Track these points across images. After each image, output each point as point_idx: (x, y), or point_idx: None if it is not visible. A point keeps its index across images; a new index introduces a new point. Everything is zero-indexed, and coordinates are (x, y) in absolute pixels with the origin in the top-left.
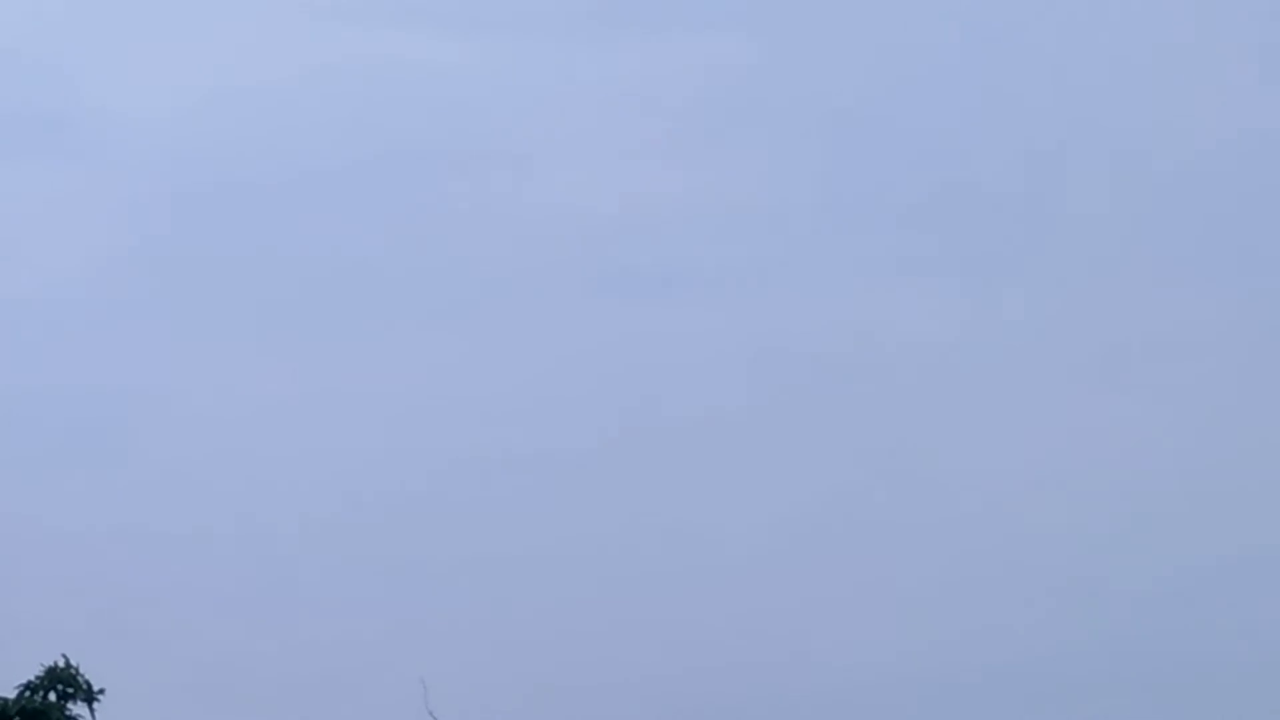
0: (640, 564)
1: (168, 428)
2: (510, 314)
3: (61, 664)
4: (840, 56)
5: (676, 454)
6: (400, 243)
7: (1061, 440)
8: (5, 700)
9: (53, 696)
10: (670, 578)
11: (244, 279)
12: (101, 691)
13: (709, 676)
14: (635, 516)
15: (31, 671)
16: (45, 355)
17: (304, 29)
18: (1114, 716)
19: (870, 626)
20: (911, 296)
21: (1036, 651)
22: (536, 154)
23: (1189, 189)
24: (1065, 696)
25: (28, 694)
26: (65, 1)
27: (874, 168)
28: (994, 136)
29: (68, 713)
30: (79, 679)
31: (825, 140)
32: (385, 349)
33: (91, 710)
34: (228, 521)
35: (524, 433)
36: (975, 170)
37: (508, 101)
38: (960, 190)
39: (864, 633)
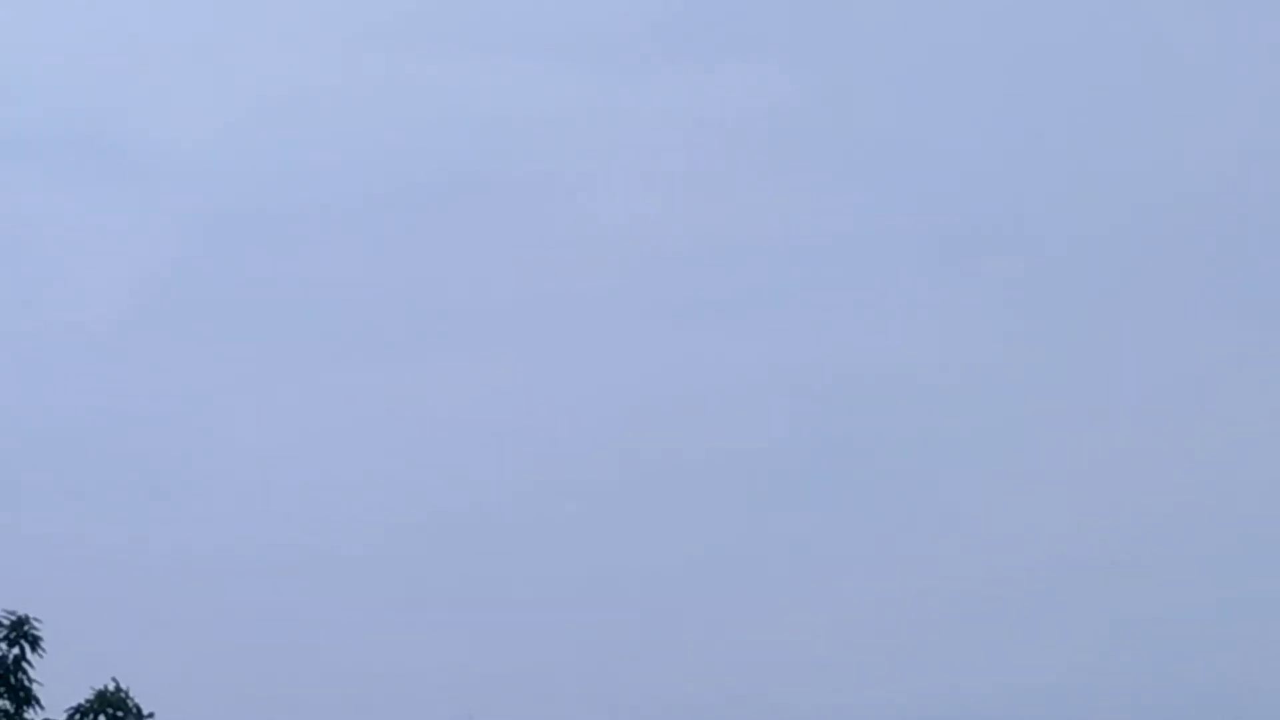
0: (702, 586)
1: (212, 451)
2: (559, 340)
3: (111, 688)
4: (885, 89)
5: (723, 479)
6: (447, 269)
7: (1102, 470)
8: None
9: (103, 719)
10: (723, 601)
11: (289, 302)
12: (151, 715)
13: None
14: (679, 541)
15: (81, 695)
16: (90, 378)
17: (341, 57)
18: None
19: (906, 658)
20: (953, 327)
21: (1077, 681)
22: (587, 183)
23: (1233, 218)
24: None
25: (78, 717)
26: (110, 32)
27: (918, 198)
28: (1036, 169)
29: None
30: (128, 702)
31: (870, 171)
32: (429, 374)
33: None
34: (268, 544)
35: (571, 458)
36: (1018, 201)
37: (559, 130)
38: (1002, 222)
39: (899, 664)
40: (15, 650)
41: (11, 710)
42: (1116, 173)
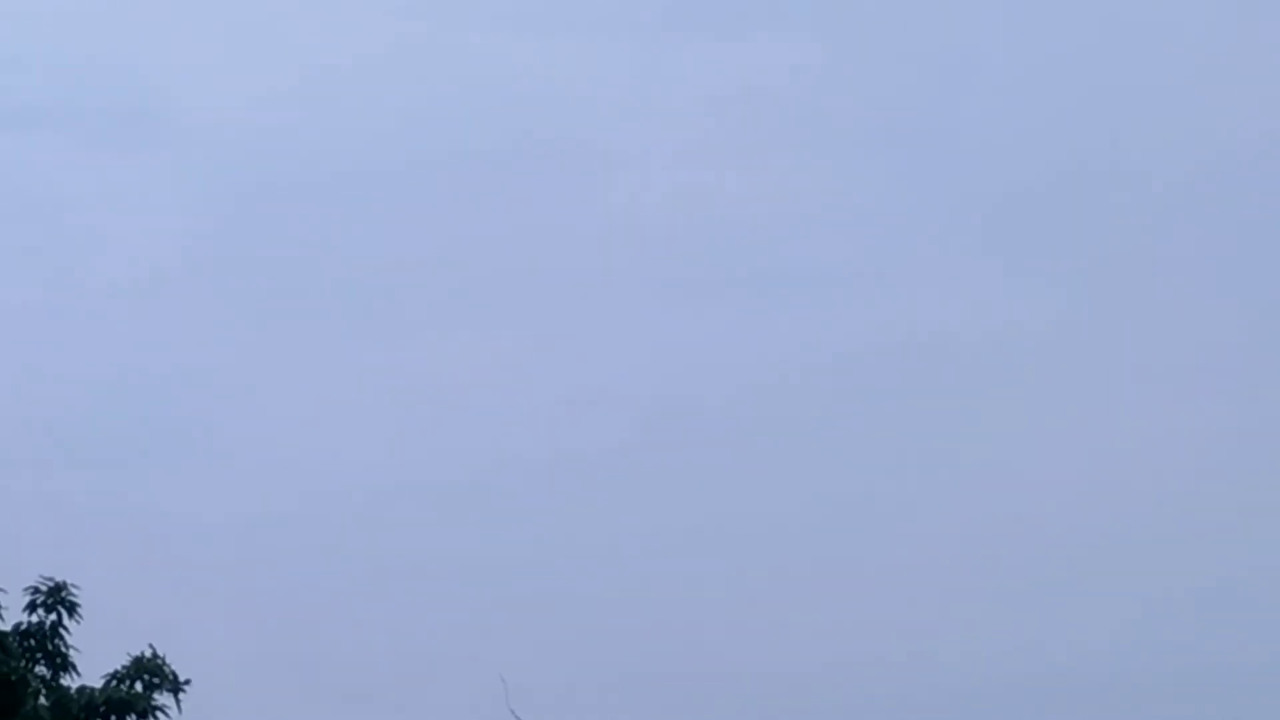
0: (709, 561)
1: (244, 417)
2: (575, 315)
3: (148, 654)
4: (909, 62)
5: (738, 454)
6: (463, 242)
7: (1137, 441)
8: (93, 690)
9: (139, 687)
10: (731, 576)
11: (314, 272)
12: (188, 682)
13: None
14: (696, 515)
15: (119, 661)
16: (128, 343)
17: (376, 26)
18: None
19: (922, 629)
20: (992, 295)
21: (1092, 656)
22: (606, 155)
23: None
24: (1133, 702)
25: (115, 684)
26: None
27: (941, 172)
28: (1057, 141)
29: (153, 703)
30: (165, 669)
31: (905, 139)
32: (441, 348)
33: (177, 700)
34: (298, 509)
35: (580, 431)
36: (1040, 175)
37: (576, 103)
38: (1026, 195)
39: (917, 635)
40: (52, 617)
41: (48, 676)
42: (1160, 140)
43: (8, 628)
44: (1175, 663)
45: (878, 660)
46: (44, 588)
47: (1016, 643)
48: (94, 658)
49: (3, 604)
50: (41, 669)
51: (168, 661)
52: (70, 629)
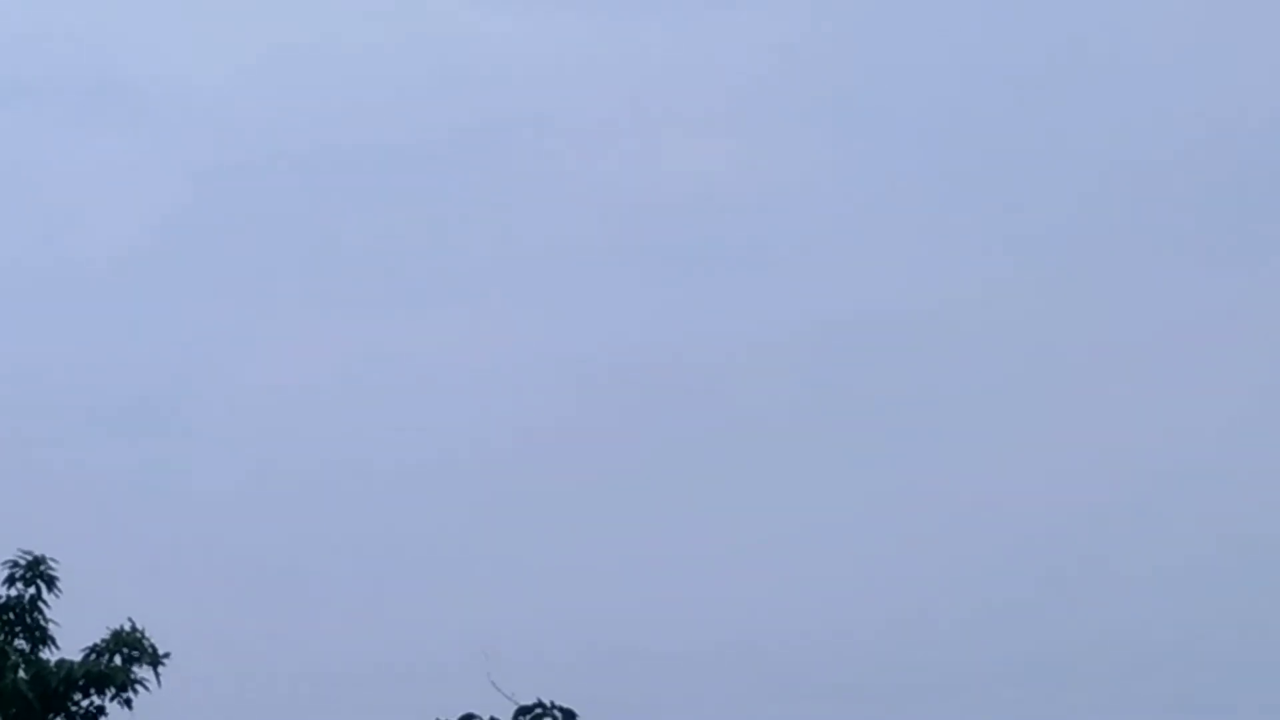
0: (691, 538)
1: (218, 392)
2: (569, 288)
3: (127, 628)
4: (857, 40)
5: (729, 432)
6: (440, 217)
7: (1087, 415)
8: (71, 664)
9: (118, 660)
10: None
11: (291, 247)
12: (167, 655)
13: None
14: (684, 492)
15: (98, 635)
16: (105, 317)
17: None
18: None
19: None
20: (957, 269)
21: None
22: (596, 127)
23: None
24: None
25: (94, 657)
26: None
27: (923, 142)
28: (1041, 112)
29: (133, 676)
30: (144, 643)
31: (872, 114)
32: (420, 322)
33: (156, 674)
34: (277, 484)
35: (569, 405)
36: (1024, 144)
37: (567, 73)
38: (1021, 171)
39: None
40: (31, 590)
41: (28, 650)
42: (1122, 117)
43: None
44: (1150, 640)
45: (840, 634)
46: (23, 561)
47: (961, 615)
48: (73, 631)
49: None
50: (20, 642)
51: (147, 635)
52: (49, 603)
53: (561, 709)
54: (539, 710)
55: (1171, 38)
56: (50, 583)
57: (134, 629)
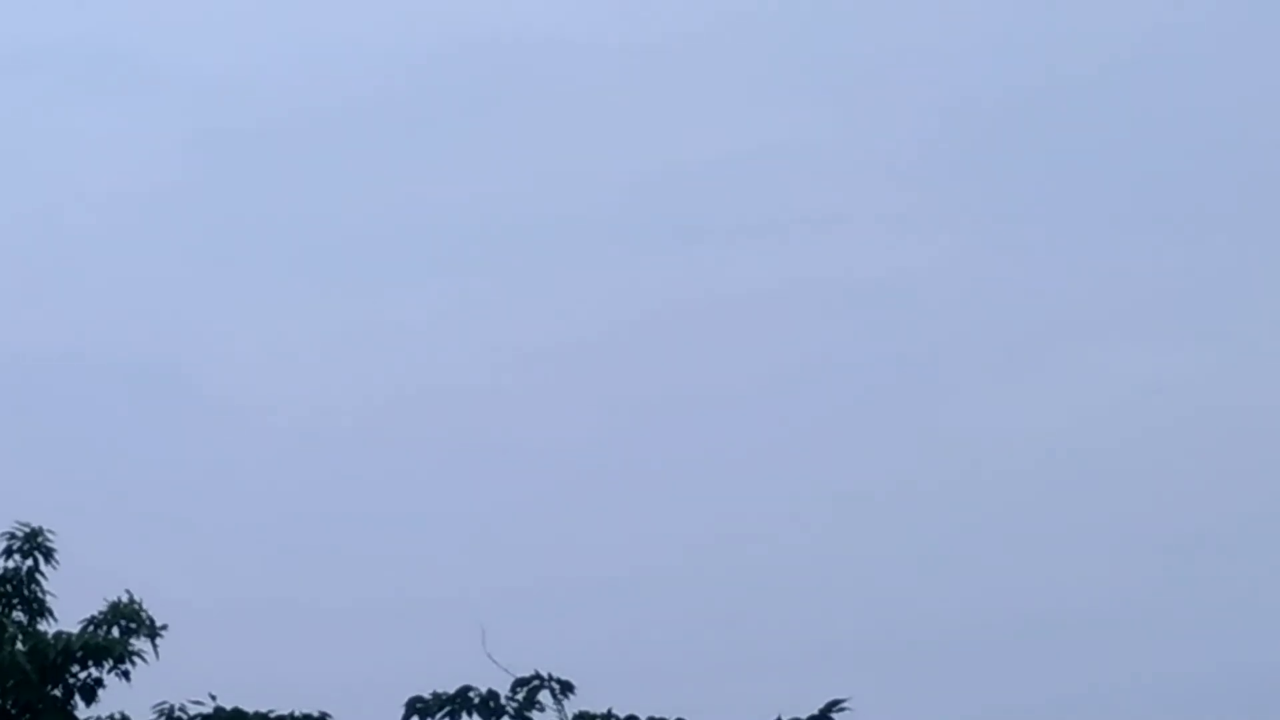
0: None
1: (213, 361)
2: (580, 262)
3: (125, 599)
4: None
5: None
6: (457, 186)
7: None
8: (69, 636)
9: (116, 632)
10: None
11: (285, 217)
12: (165, 627)
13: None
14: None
15: (95, 607)
16: (97, 287)
17: None
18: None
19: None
20: (939, 237)
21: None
22: (609, 99)
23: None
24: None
25: (91, 629)
26: None
27: (902, 108)
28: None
29: (130, 648)
30: (142, 614)
31: (848, 80)
32: (411, 293)
33: (154, 645)
34: (271, 453)
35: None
36: (1019, 104)
37: (580, 45)
38: (1043, 148)
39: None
40: (29, 562)
41: (25, 622)
42: (1116, 78)
43: None
44: (1149, 602)
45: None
46: (20, 533)
47: (938, 576)
48: (70, 603)
49: None
50: (18, 614)
51: (145, 607)
52: (46, 575)
53: (559, 680)
54: (536, 682)
55: (1172, 38)
56: (48, 554)
57: (132, 601)
